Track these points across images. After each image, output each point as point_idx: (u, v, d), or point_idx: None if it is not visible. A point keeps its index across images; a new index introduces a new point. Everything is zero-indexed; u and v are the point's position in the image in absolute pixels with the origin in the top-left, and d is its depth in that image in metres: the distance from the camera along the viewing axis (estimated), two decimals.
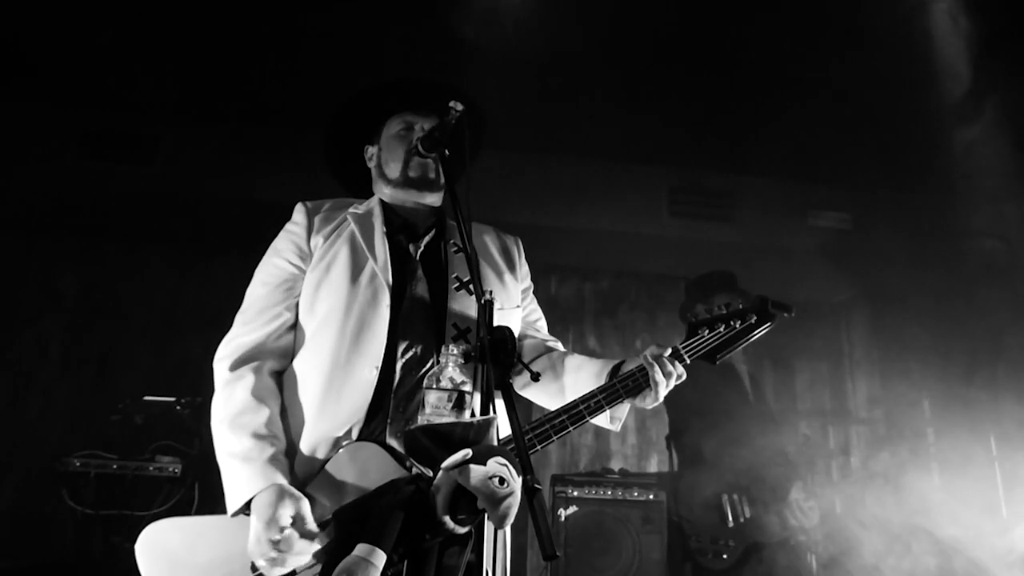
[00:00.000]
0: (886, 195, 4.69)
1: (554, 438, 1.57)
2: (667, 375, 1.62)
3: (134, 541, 1.51)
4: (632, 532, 3.63)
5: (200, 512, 3.26)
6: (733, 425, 3.08)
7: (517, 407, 1.25)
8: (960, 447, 3.75)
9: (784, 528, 2.95)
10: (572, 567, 3.59)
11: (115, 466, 3.28)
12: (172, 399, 3.59)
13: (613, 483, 3.80)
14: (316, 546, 1.41)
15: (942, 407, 4.57)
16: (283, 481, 1.47)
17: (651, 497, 3.72)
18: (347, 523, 1.18)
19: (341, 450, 1.51)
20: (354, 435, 1.54)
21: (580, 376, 1.71)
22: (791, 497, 2.95)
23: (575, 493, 3.76)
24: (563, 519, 3.70)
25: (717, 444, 3.15)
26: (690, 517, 3.17)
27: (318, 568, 1.36)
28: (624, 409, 1.70)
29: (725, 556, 3.02)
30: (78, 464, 3.27)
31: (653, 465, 4.72)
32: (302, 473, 1.54)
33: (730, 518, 3.02)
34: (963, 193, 4.12)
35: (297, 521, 1.41)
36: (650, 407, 1.65)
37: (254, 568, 1.43)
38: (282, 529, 1.39)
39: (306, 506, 1.44)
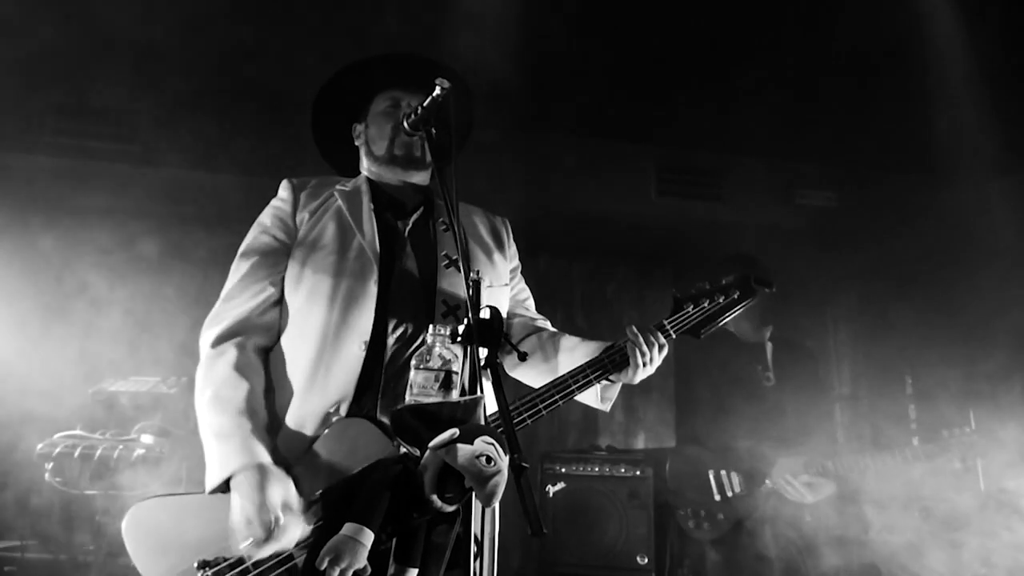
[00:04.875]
0: (872, 174, 4.71)
1: (544, 412, 1.59)
2: (650, 345, 1.63)
3: (121, 521, 1.50)
4: (619, 508, 3.68)
5: (188, 492, 3.25)
6: (735, 403, 3.11)
7: (507, 387, 1.25)
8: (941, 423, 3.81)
9: (782, 503, 2.98)
10: (560, 542, 3.64)
11: (100, 446, 3.26)
12: (157, 378, 3.56)
13: (600, 460, 3.85)
14: (303, 529, 1.41)
15: (924, 384, 4.64)
16: (265, 459, 1.46)
17: (638, 473, 3.77)
18: (334, 502, 1.18)
19: (331, 426, 1.51)
20: (343, 411, 1.54)
21: (574, 356, 1.72)
22: (783, 473, 2.98)
23: (563, 469, 3.80)
24: (551, 495, 3.74)
25: (713, 420, 3.20)
26: (679, 490, 3.23)
27: (306, 548, 1.36)
28: (614, 390, 1.72)
29: (707, 526, 3.08)
30: (62, 444, 3.24)
31: (640, 442, 4.77)
32: (290, 450, 1.53)
33: (716, 493, 3.07)
34: (948, 172, 4.15)
35: (285, 505, 1.40)
36: (637, 381, 1.67)
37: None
38: (276, 517, 1.38)
39: (292, 489, 1.43)
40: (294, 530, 1.40)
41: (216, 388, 1.54)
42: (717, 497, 3.07)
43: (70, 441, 3.27)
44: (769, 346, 3.28)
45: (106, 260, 4.42)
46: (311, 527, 1.37)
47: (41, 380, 4.10)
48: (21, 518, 3.50)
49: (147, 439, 3.35)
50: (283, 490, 1.41)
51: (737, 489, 3.05)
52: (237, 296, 1.65)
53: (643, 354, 1.63)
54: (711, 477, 3.10)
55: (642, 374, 1.66)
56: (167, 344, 4.07)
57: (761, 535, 2.93)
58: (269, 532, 1.37)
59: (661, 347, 1.66)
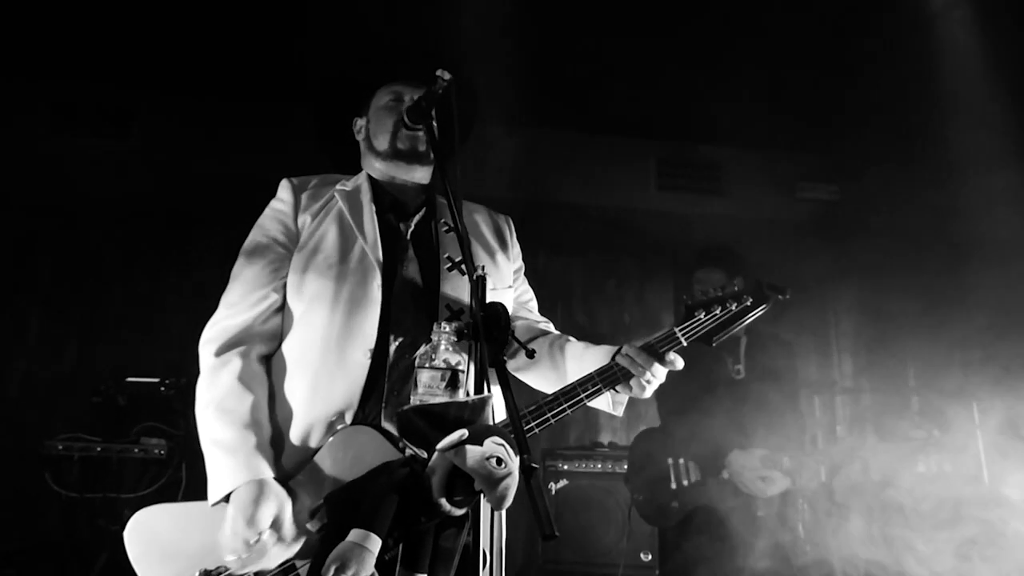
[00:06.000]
0: (874, 167, 4.68)
1: (552, 421, 1.55)
2: (664, 363, 1.60)
3: (120, 524, 1.47)
4: (622, 504, 3.66)
5: (188, 493, 3.23)
6: (700, 394, 3.09)
7: (516, 390, 1.22)
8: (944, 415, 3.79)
9: (735, 495, 2.96)
10: (563, 540, 3.62)
11: (99, 449, 3.24)
12: (156, 380, 3.53)
13: (602, 456, 3.84)
14: (290, 552, 1.39)
15: (927, 377, 4.63)
16: (267, 474, 1.43)
17: None
18: (340, 508, 1.15)
19: (335, 435, 1.48)
20: (348, 419, 1.51)
21: (583, 363, 1.68)
22: (739, 464, 2.97)
23: (565, 467, 3.79)
24: (553, 492, 3.72)
25: (675, 411, 3.19)
26: (637, 477, 3.22)
27: (310, 556, 1.33)
28: (625, 395, 1.68)
29: (661, 514, 3.08)
30: (61, 447, 3.21)
31: None
32: (294, 459, 1.50)
33: (673, 482, 3.06)
34: (951, 165, 4.13)
35: (275, 523, 1.39)
36: (647, 396, 1.64)
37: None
38: (260, 533, 1.36)
39: (288, 508, 1.41)
40: (276, 552, 1.38)
41: (220, 400, 1.51)
42: (673, 485, 3.06)
43: (69, 444, 3.24)
44: (743, 340, 3.26)
45: (104, 261, 4.38)
46: (313, 537, 1.34)
47: (38, 383, 4.07)
48: (21, 521, 3.47)
49: (146, 441, 3.32)
50: (276, 508, 1.39)
51: (693, 478, 3.04)
52: (239, 303, 1.61)
53: (641, 374, 1.60)
54: (670, 465, 3.08)
55: (650, 390, 1.63)
56: (166, 345, 4.04)
57: (711, 525, 2.92)
58: (249, 548, 1.36)
59: (664, 363, 1.62)
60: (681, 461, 3.08)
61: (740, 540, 2.85)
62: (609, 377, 1.60)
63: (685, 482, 3.05)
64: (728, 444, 3.00)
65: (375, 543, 1.07)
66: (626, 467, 3.39)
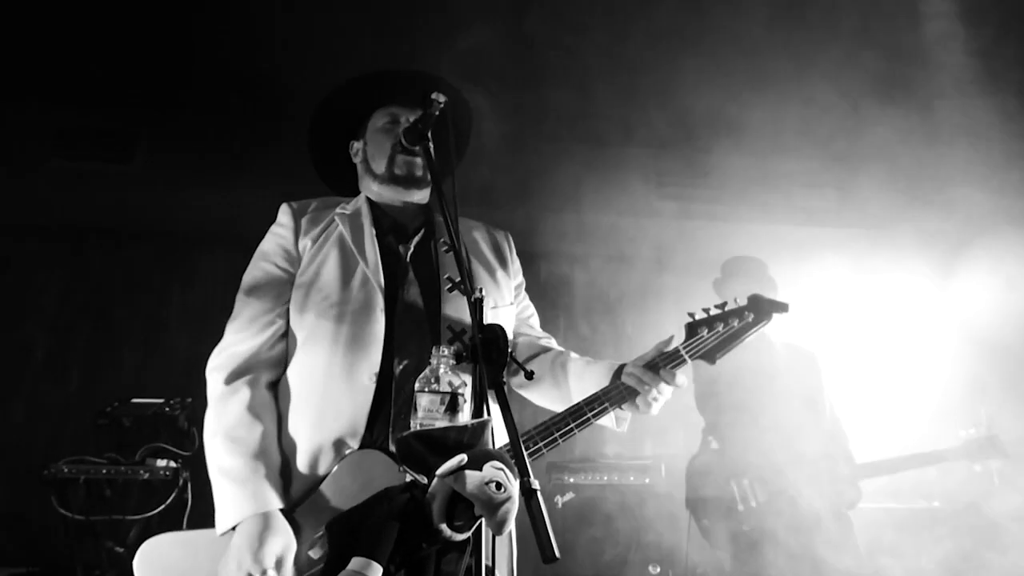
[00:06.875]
0: (873, 169, 4.68)
1: (560, 441, 1.57)
2: (669, 381, 1.61)
3: (126, 546, 1.48)
4: (629, 516, 3.64)
5: (194, 514, 3.23)
6: (757, 407, 3.01)
7: (526, 412, 1.23)
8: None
9: (808, 511, 2.83)
10: (570, 553, 3.60)
11: (105, 471, 3.23)
12: (160, 401, 3.53)
13: (609, 468, 3.81)
14: None
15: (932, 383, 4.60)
16: (275, 505, 1.44)
17: (647, 481, 3.73)
18: (340, 536, 1.15)
19: (345, 459, 1.49)
20: (355, 444, 1.51)
21: (585, 382, 1.70)
22: (809, 479, 2.86)
23: (571, 479, 3.77)
24: (560, 506, 3.70)
25: (735, 426, 3.10)
26: (701, 498, 3.13)
27: None
28: (630, 412, 1.69)
29: (730, 537, 2.97)
30: (67, 470, 3.21)
31: (647, 449, 4.71)
32: (302, 486, 1.51)
33: (740, 503, 2.96)
34: (951, 166, 4.14)
35: (279, 563, 1.39)
36: (655, 413, 1.64)
37: None
38: (264, 572, 1.37)
39: (292, 551, 1.42)
40: None
41: (229, 429, 1.52)
42: (741, 507, 2.96)
43: (75, 467, 3.24)
44: (777, 349, 3.20)
45: (108, 283, 4.41)
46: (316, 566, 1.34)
47: (43, 406, 4.09)
48: (27, 545, 3.47)
49: (152, 462, 3.32)
50: (282, 545, 1.40)
51: (761, 499, 2.95)
52: (245, 329, 1.62)
53: (647, 392, 1.61)
54: (734, 486, 3.00)
55: (656, 407, 1.64)
56: (171, 366, 4.05)
57: (785, 547, 2.82)
58: None
59: (669, 380, 1.63)
60: (745, 482, 2.98)
61: (821, 559, 2.75)
62: (615, 396, 1.62)
63: (753, 503, 2.94)
64: (790, 459, 2.90)
65: (376, 571, 1.07)
66: (688, 491, 3.26)
